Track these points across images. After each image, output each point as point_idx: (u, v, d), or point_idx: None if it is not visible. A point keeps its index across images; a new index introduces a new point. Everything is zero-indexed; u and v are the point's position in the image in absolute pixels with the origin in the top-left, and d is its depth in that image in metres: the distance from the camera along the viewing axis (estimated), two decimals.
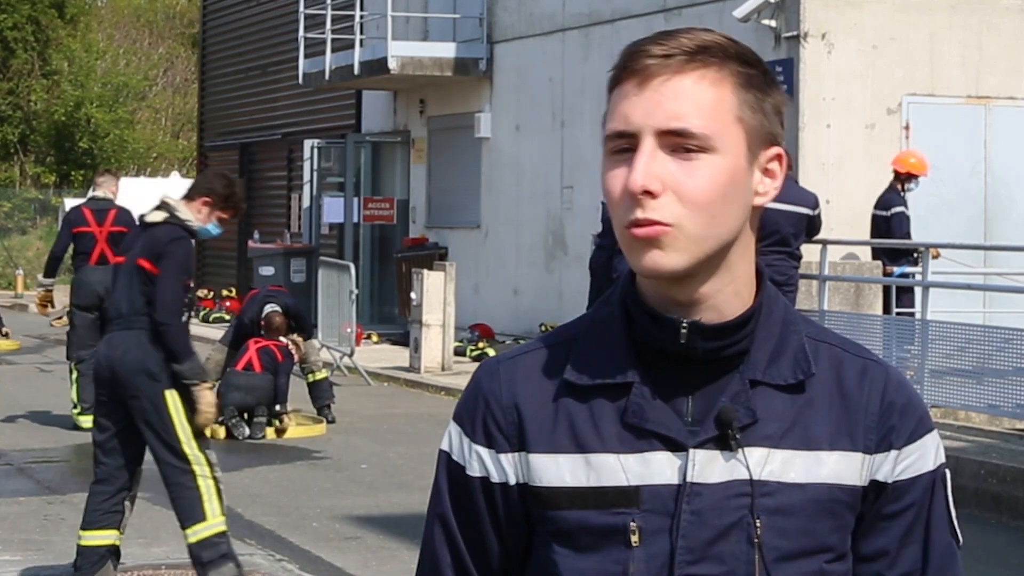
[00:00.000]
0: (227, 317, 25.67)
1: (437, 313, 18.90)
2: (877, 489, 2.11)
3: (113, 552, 8.12)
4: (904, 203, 15.60)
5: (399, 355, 20.18)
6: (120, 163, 48.42)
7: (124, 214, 14.19)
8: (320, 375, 15.47)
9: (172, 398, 7.81)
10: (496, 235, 23.00)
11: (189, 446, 7.83)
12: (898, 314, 14.71)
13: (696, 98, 2.02)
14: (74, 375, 14.46)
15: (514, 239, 22.57)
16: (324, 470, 12.40)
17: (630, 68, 2.04)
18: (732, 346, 2.08)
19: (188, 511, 7.89)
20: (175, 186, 40.81)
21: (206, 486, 7.89)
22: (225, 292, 29.11)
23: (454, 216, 24.12)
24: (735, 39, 2.07)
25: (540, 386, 2.13)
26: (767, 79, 2.08)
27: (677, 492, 2.05)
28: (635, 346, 2.10)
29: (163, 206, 8.01)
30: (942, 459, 2.17)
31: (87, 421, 13.05)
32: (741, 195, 2.05)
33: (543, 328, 21.05)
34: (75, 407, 14.51)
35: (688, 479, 2.05)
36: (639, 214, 2.01)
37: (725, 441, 2.05)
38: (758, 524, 2.05)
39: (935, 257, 14.87)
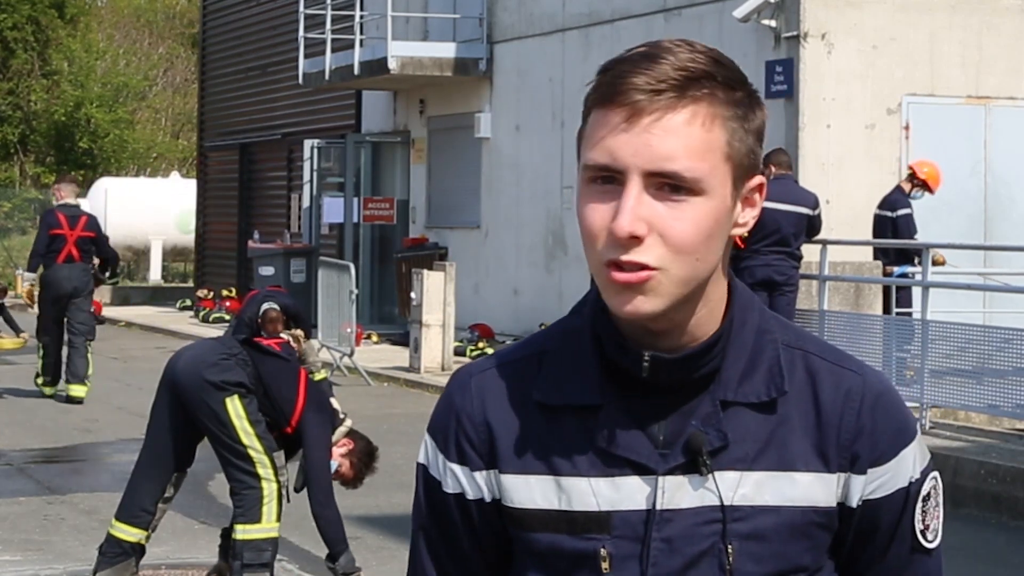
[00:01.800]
0: (227, 317, 25.67)
1: (437, 313, 18.90)
2: (849, 509, 2.07)
3: (138, 550, 8.12)
4: (910, 205, 15.58)
5: (399, 355, 20.19)
6: (120, 163, 48.46)
7: (92, 221, 17.00)
8: (319, 375, 15.44)
9: (233, 404, 7.87)
10: (496, 235, 23.00)
11: (253, 449, 7.89)
12: (896, 314, 14.71)
13: (687, 140, 1.96)
14: (41, 352, 17.14)
15: (514, 239, 22.57)
16: None
17: (615, 98, 1.98)
18: (700, 369, 2.04)
19: (245, 508, 7.98)
20: (175, 186, 40.68)
21: (269, 489, 7.94)
22: (225, 292, 29.11)
23: (454, 216, 24.12)
24: (717, 55, 2.01)
25: (511, 403, 2.10)
26: (751, 99, 2.03)
27: (647, 519, 2.02)
28: (605, 365, 2.07)
29: None
30: (922, 467, 2.11)
31: (50, 390, 16.99)
32: (724, 232, 2.02)
33: (543, 328, 21.04)
34: (38, 376, 17.25)
35: (658, 506, 2.02)
36: (622, 256, 1.96)
37: (695, 466, 2.02)
38: (730, 550, 2.02)
39: (941, 263, 14.87)
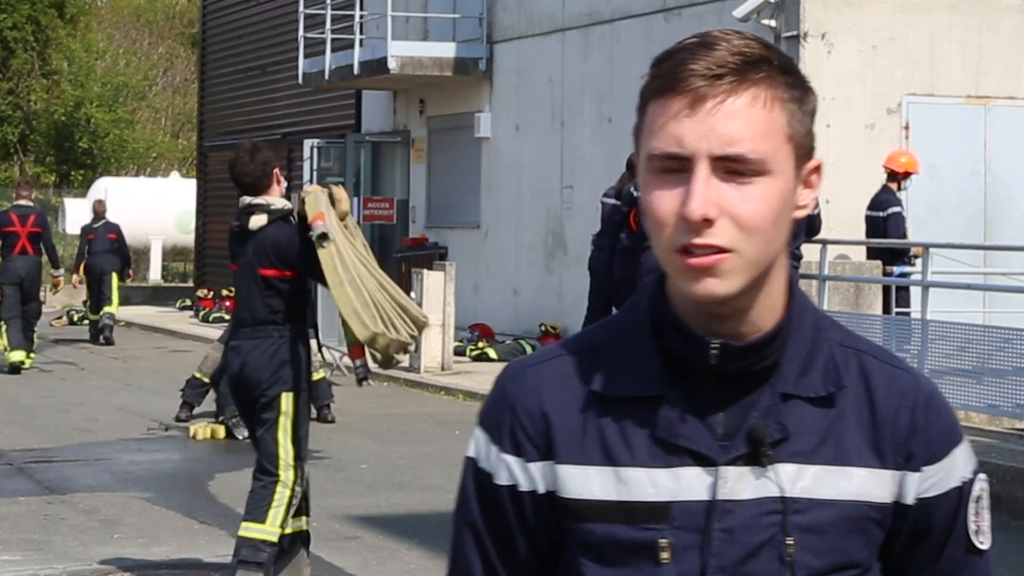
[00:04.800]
0: (227, 317, 25.68)
1: (437, 313, 18.90)
2: (904, 507, 2.09)
3: (303, 540, 8.20)
4: (900, 203, 15.60)
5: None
6: (120, 163, 48.46)
7: (41, 217, 20.23)
8: (318, 375, 15.47)
9: (287, 401, 7.95)
10: (496, 235, 23.00)
11: (285, 451, 7.93)
12: (896, 314, 14.72)
13: (750, 121, 1.99)
14: (3, 327, 19.78)
15: (514, 239, 22.57)
16: (324, 470, 12.39)
17: (676, 86, 2.00)
18: (764, 360, 2.06)
19: (254, 506, 7.98)
20: (174, 186, 40.64)
21: (280, 495, 7.95)
22: (225, 292, 29.11)
23: (454, 216, 24.12)
24: (766, 42, 2.05)
25: (568, 394, 2.10)
26: (804, 83, 2.07)
27: (708, 509, 2.03)
28: (664, 357, 2.08)
29: (258, 208, 8.17)
30: (972, 469, 2.14)
31: (15, 355, 19.50)
32: (789, 213, 2.05)
33: (543, 328, 21.06)
34: (4, 350, 19.82)
35: (719, 496, 2.03)
36: (694, 239, 1.98)
37: (756, 457, 2.03)
38: (790, 542, 2.03)
39: (918, 255, 14.88)
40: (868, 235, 15.51)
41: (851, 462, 2.06)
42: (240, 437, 14.20)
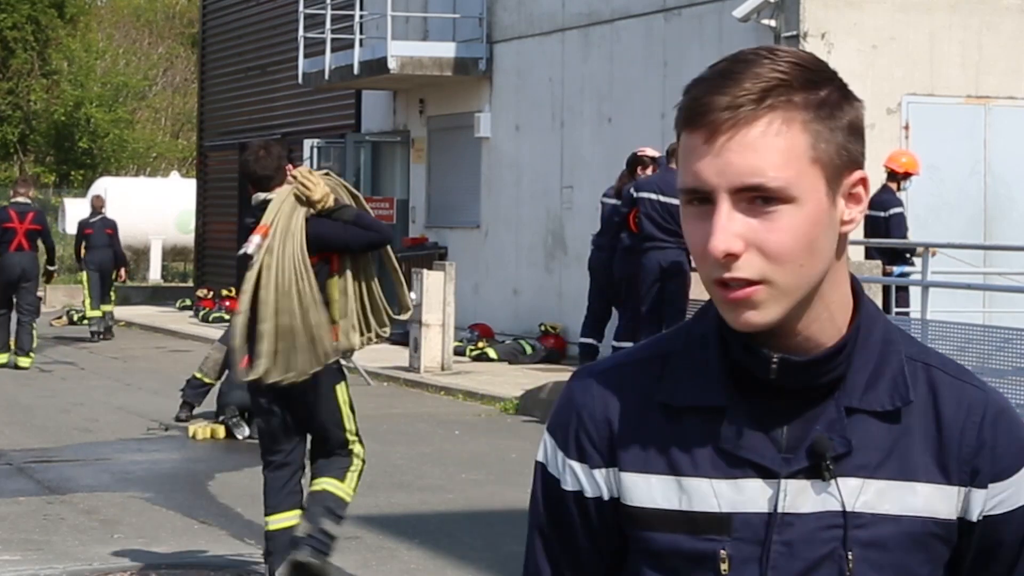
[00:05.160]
0: (227, 317, 25.67)
1: (437, 313, 18.90)
2: (969, 524, 2.07)
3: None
4: (901, 203, 15.60)
5: (399, 355, 20.18)
6: (120, 163, 48.47)
7: (39, 215, 20.57)
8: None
9: (341, 391, 8.33)
10: (496, 235, 23.00)
11: (350, 423, 8.29)
12: (896, 314, 14.71)
13: (767, 150, 1.96)
14: None
15: (514, 239, 22.57)
16: None
17: (695, 120, 1.99)
18: (827, 374, 2.05)
19: (335, 470, 8.22)
20: (174, 186, 40.64)
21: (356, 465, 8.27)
22: (225, 292, 29.10)
23: (454, 216, 24.12)
24: (800, 58, 2.02)
25: (633, 402, 2.11)
26: (840, 94, 2.04)
27: (768, 521, 2.03)
28: (730, 368, 2.08)
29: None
30: None
31: (3, 357, 19.93)
32: (827, 234, 2.01)
33: (543, 328, 21.07)
34: None
35: (780, 509, 2.03)
36: (725, 275, 1.97)
37: (818, 471, 2.02)
38: (850, 557, 2.03)
39: (932, 254, 14.87)
40: (867, 235, 15.50)
41: (916, 478, 2.05)
42: (240, 437, 14.21)
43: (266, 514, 8.17)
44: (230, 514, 10.82)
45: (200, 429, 14.42)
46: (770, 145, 1.97)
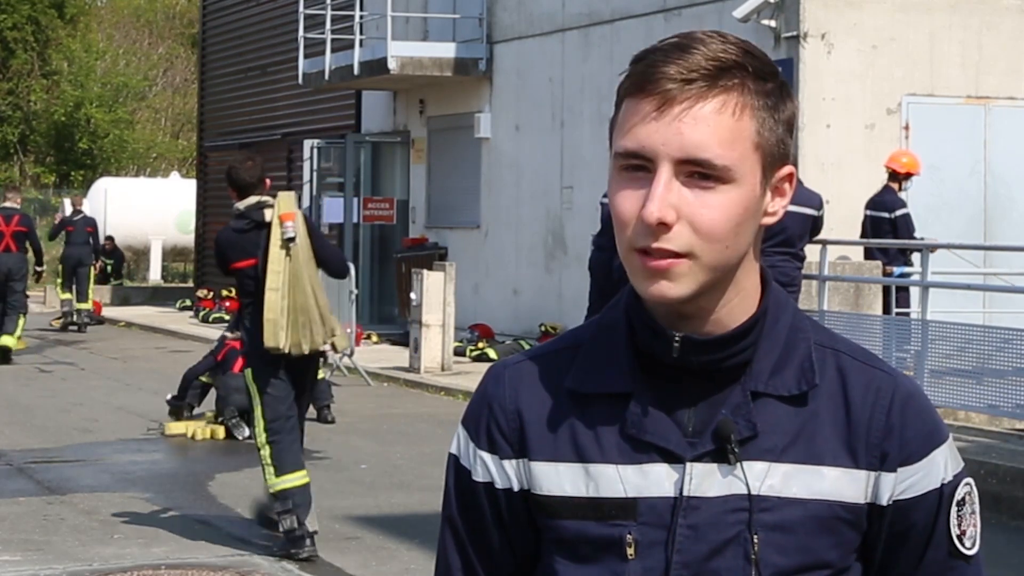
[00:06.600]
0: (226, 317, 25.68)
1: (437, 313, 18.90)
2: (880, 508, 2.07)
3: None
4: (905, 204, 15.58)
5: (399, 355, 20.19)
6: (120, 163, 48.47)
7: (25, 218, 22.16)
8: (319, 375, 15.45)
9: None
10: (496, 235, 23.00)
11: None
12: (896, 314, 14.71)
13: (717, 128, 1.98)
14: None
15: (514, 239, 22.57)
16: (324, 470, 12.40)
17: (647, 87, 2.00)
18: (732, 357, 2.05)
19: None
20: (174, 186, 40.65)
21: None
22: (225, 292, 29.11)
23: (454, 216, 24.12)
24: (749, 47, 2.04)
25: (543, 393, 2.12)
26: (782, 91, 2.06)
27: (674, 505, 2.03)
28: (638, 355, 2.08)
29: (267, 204, 9.64)
30: (955, 471, 2.11)
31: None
32: (753, 220, 2.03)
33: (543, 328, 21.07)
34: None
35: (685, 492, 2.03)
36: (652, 243, 1.98)
37: (724, 455, 2.03)
38: (755, 540, 2.03)
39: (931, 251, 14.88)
40: (867, 235, 15.50)
41: (823, 461, 2.05)
42: (240, 438, 14.20)
43: (278, 474, 9.24)
44: (230, 514, 10.83)
45: (200, 429, 14.42)
46: (723, 123, 1.98)
